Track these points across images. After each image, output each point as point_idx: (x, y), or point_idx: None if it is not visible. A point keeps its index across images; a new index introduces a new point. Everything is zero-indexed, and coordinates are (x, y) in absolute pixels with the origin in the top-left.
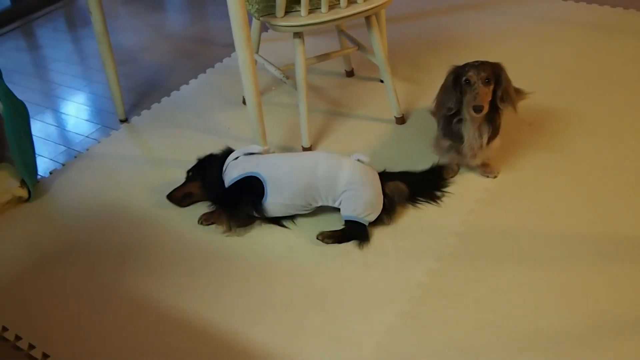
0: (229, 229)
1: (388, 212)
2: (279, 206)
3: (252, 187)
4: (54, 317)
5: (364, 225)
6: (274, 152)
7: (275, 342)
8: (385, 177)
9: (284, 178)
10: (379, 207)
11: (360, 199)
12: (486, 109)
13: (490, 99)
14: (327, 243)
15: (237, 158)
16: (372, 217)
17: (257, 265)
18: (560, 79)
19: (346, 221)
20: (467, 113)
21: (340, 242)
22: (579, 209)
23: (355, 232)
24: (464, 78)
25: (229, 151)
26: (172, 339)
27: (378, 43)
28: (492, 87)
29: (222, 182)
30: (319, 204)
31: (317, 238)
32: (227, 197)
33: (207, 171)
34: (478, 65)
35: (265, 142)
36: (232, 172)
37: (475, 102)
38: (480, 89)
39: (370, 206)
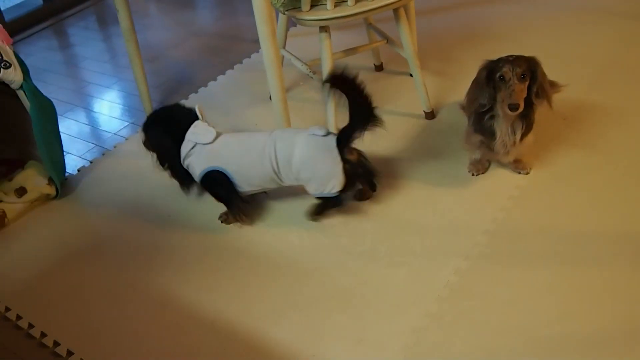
0: (247, 221)
1: (364, 178)
2: (251, 191)
3: (221, 178)
4: (79, 314)
5: (335, 196)
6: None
7: (299, 342)
8: (344, 140)
9: (249, 168)
10: (338, 177)
11: (317, 177)
12: (522, 106)
13: (525, 95)
14: (318, 220)
15: (193, 147)
16: (338, 188)
17: (282, 264)
18: (597, 71)
19: (317, 198)
20: (501, 110)
21: (323, 212)
22: (614, 207)
23: (330, 204)
24: (498, 74)
25: (176, 124)
26: (195, 337)
27: (407, 36)
28: (527, 83)
29: (187, 172)
30: (286, 184)
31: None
32: (212, 194)
33: (167, 158)
34: (513, 60)
35: None
36: (195, 167)
37: (511, 100)
38: (515, 86)
39: (329, 179)
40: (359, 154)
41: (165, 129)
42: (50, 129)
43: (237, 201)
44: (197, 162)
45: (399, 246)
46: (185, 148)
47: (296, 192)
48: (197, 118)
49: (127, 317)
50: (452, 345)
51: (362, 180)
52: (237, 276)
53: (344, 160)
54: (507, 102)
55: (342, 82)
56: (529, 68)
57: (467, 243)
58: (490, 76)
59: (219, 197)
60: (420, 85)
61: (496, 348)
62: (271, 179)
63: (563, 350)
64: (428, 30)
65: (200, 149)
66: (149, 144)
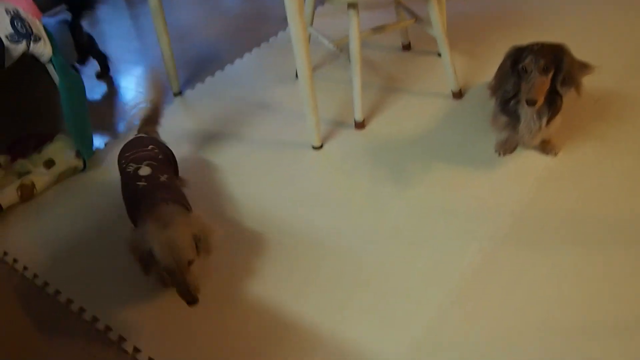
0: None
1: (96, 59)
2: None
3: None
4: (105, 282)
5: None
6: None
7: (322, 318)
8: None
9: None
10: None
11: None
12: (541, 101)
13: (548, 87)
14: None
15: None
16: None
17: (306, 243)
18: (633, 56)
19: None
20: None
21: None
22: None
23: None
24: (520, 64)
25: None
26: (221, 312)
27: (436, 15)
28: (551, 73)
29: None
30: None
31: None
32: None
33: None
34: (537, 50)
35: (317, 116)
36: None
37: (529, 95)
38: (536, 80)
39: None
40: (89, 38)
41: None
42: (78, 104)
43: None
44: None
45: (423, 226)
46: None
47: (321, 178)
48: None
49: (155, 288)
50: (474, 325)
51: (99, 61)
52: (263, 254)
53: (74, 38)
54: (525, 96)
55: None
56: (555, 57)
57: (492, 224)
58: (515, 65)
59: None
60: (448, 65)
61: (518, 329)
62: None
63: (587, 335)
64: (457, 9)
65: None
66: None
